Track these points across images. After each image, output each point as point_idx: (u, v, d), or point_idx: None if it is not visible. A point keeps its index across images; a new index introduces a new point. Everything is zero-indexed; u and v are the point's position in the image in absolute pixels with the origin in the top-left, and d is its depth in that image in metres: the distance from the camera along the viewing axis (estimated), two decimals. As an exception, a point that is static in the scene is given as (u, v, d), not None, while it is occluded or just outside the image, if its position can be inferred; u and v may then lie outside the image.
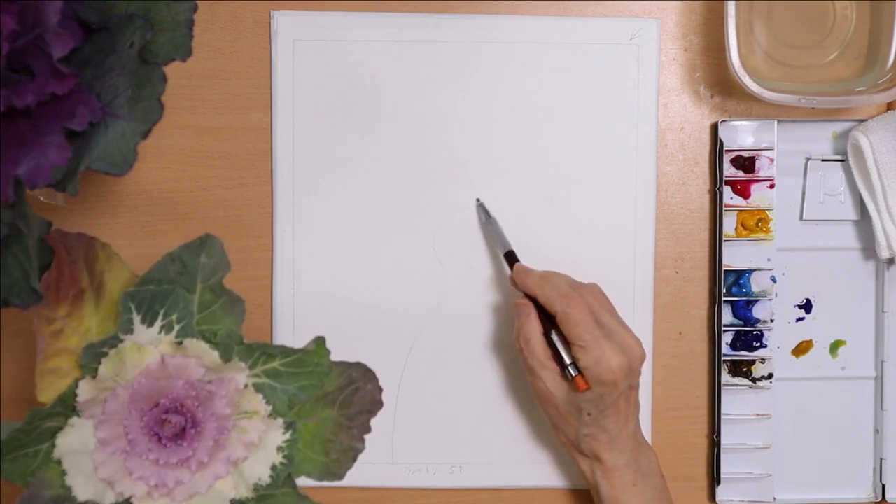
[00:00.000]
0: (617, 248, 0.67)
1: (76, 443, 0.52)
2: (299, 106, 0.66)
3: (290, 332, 0.66)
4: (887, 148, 0.64)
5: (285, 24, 0.65)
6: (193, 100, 0.66)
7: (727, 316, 0.67)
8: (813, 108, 0.64)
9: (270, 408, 0.55)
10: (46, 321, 0.53)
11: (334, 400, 0.56)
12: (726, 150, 0.66)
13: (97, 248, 0.54)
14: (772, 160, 0.66)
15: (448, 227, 0.67)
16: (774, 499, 0.68)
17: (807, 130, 0.67)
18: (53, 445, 0.52)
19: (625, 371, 0.58)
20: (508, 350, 0.67)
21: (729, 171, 0.66)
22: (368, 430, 0.56)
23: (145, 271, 0.54)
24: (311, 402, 0.56)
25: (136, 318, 0.53)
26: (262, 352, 0.54)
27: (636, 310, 0.67)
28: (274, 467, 0.55)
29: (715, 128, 0.67)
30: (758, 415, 0.67)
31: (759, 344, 0.67)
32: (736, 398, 0.67)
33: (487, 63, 0.66)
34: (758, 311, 0.67)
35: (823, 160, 0.67)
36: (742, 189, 0.66)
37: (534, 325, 0.60)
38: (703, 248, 0.68)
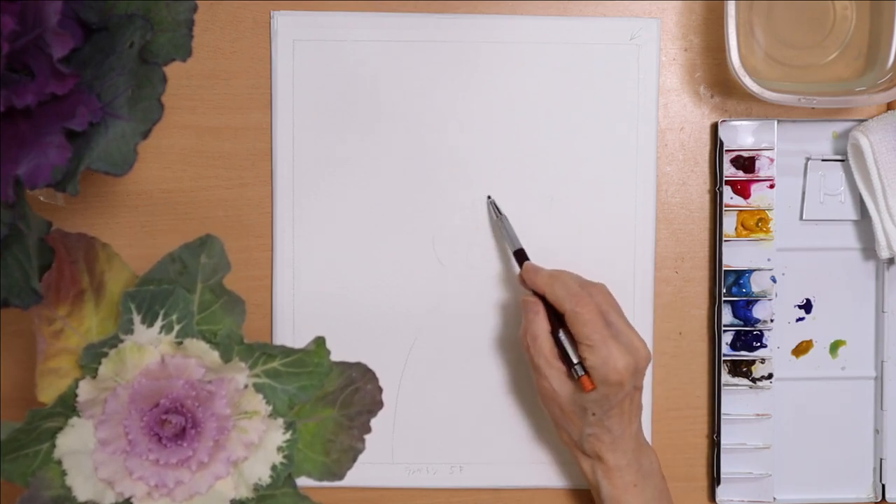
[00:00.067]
0: (617, 248, 0.67)
1: (76, 443, 0.52)
2: (299, 106, 0.66)
3: (290, 332, 0.66)
4: (887, 148, 0.64)
5: (285, 24, 0.65)
6: (193, 100, 0.66)
7: (727, 316, 0.67)
8: (813, 108, 0.64)
9: (270, 408, 0.55)
10: (46, 321, 0.53)
11: (334, 400, 0.56)
12: (726, 150, 0.66)
13: (97, 249, 0.54)
14: (772, 160, 0.66)
15: (448, 227, 0.67)
16: (774, 499, 0.68)
17: (807, 130, 0.67)
18: (53, 445, 0.52)
19: (631, 372, 0.58)
20: (509, 350, 0.67)
21: (729, 171, 0.66)
22: (368, 430, 0.56)
23: (145, 271, 0.54)
24: (311, 402, 0.56)
25: (137, 319, 0.53)
26: (262, 352, 0.54)
27: (636, 310, 0.67)
28: (274, 467, 0.55)
29: (715, 128, 0.67)
30: (758, 415, 0.67)
31: (759, 344, 0.67)
32: (736, 398, 0.67)
33: (487, 63, 0.66)
34: (758, 311, 0.67)
35: (823, 160, 0.67)
36: (742, 189, 0.66)
37: (541, 324, 0.60)
38: (703, 248, 0.68)
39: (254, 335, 0.65)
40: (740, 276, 0.67)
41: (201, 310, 0.54)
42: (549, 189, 0.67)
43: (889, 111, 0.66)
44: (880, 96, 0.63)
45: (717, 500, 0.67)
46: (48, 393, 0.53)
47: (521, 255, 0.64)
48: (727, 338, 0.67)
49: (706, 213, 0.68)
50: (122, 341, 0.53)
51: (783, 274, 0.68)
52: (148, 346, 0.53)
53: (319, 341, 0.55)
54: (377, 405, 0.56)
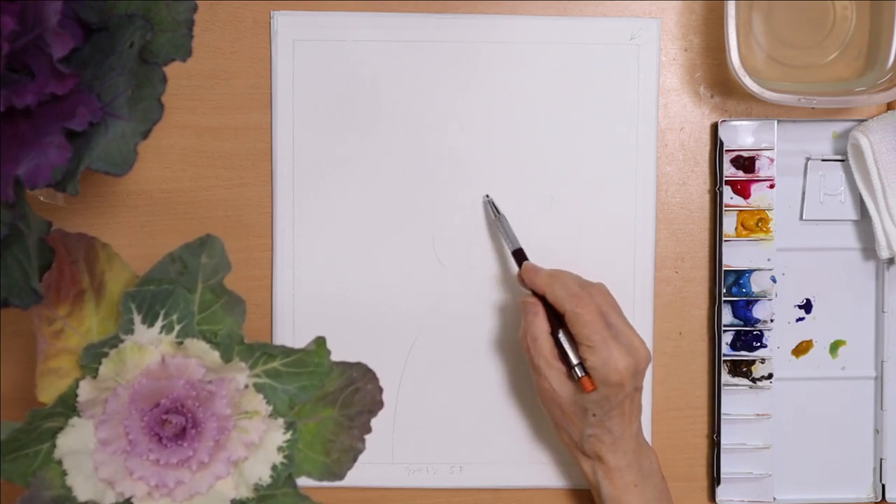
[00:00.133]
0: (617, 248, 0.67)
1: (77, 443, 0.52)
2: (299, 106, 0.66)
3: (290, 332, 0.66)
4: (887, 148, 0.64)
5: (285, 24, 0.65)
6: (193, 100, 0.66)
7: (727, 316, 0.67)
8: (813, 108, 0.64)
9: (271, 408, 0.55)
10: (47, 321, 0.53)
11: (335, 400, 0.56)
12: (726, 150, 0.66)
13: (97, 249, 0.54)
14: (772, 160, 0.66)
15: (448, 227, 0.67)
16: (774, 499, 0.68)
17: (807, 130, 0.67)
18: (54, 445, 0.52)
19: (631, 372, 0.58)
20: (509, 350, 0.67)
21: (729, 171, 0.66)
22: (369, 430, 0.56)
23: (146, 271, 0.54)
24: (311, 402, 0.56)
25: (137, 318, 0.53)
26: (262, 352, 0.54)
27: (636, 310, 0.67)
28: (274, 467, 0.55)
29: (715, 128, 0.67)
30: (758, 415, 0.67)
31: (759, 344, 0.67)
32: (736, 398, 0.67)
33: (487, 63, 0.66)
34: (758, 311, 0.67)
35: (823, 160, 0.67)
36: (742, 189, 0.66)
37: (541, 324, 0.60)
38: (703, 248, 0.68)
39: (254, 335, 0.65)
40: (740, 276, 0.67)
41: (202, 310, 0.54)
42: (549, 189, 0.67)
43: (889, 111, 0.66)
44: (880, 96, 0.63)
45: (717, 500, 0.67)
46: (48, 393, 0.53)
47: (519, 255, 0.64)
48: (727, 338, 0.67)
49: (706, 213, 0.68)
50: (122, 341, 0.53)
51: (783, 274, 0.68)
52: (148, 346, 0.53)
53: (320, 341, 0.55)
54: (377, 405, 0.56)
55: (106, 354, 0.53)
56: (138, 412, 0.53)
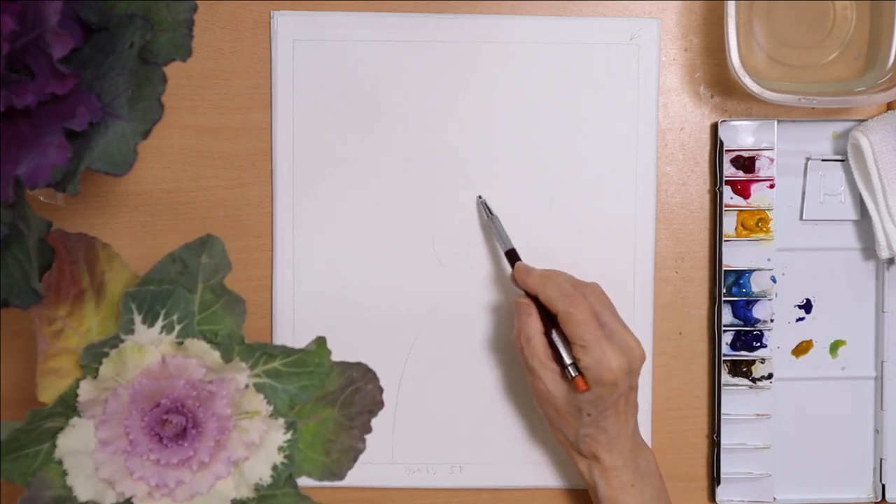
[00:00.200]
0: (617, 248, 0.67)
1: (77, 443, 0.52)
2: (299, 106, 0.66)
3: (290, 332, 0.66)
4: (887, 148, 0.64)
5: (285, 24, 0.65)
6: (193, 100, 0.66)
7: (727, 316, 0.67)
8: (813, 108, 0.64)
9: (271, 408, 0.55)
10: (47, 321, 0.53)
11: (335, 400, 0.56)
12: (726, 150, 0.66)
13: (98, 249, 0.54)
14: (772, 160, 0.66)
15: (448, 227, 0.67)
16: (774, 499, 0.68)
17: (807, 130, 0.67)
18: (54, 445, 0.52)
19: (625, 372, 0.58)
20: (509, 350, 0.67)
21: (729, 171, 0.66)
22: (369, 430, 0.56)
23: (146, 271, 0.54)
24: (311, 402, 0.56)
25: (137, 318, 0.53)
26: (262, 352, 0.54)
27: (636, 310, 0.67)
28: (275, 467, 0.55)
29: (715, 128, 0.67)
30: (758, 415, 0.67)
31: (759, 344, 0.67)
32: (736, 398, 0.67)
33: (487, 63, 0.66)
34: (758, 311, 0.67)
35: (823, 160, 0.67)
36: (742, 189, 0.66)
37: (534, 325, 0.60)
38: (703, 248, 0.68)
39: (254, 335, 0.65)
40: (740, 276, 0.67)
41: (202, 310, 0.54)
42: (549, 189, 0.67)
43: (889, 111, 0.66)
44: (880, 96, 0.63)
45: (717, 500, 0.67)
46: (49, 393, 0.53)
47: (512, 256, 0.64)
48: (727, 338, 0.67)
49: (706, 213, 0.68)
50: (122, 341, 0.53)
51: (783, 274, 0.68)
52: (149, 346, 0.53)
53: (320, 341, 0.55)
54: (377, 405, 0.56)
55: (106, 354, 0.53)
56: (139, 412, 0.53)
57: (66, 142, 0.49)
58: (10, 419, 0.51)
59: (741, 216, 0.66)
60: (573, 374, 0.59)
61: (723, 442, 0.67)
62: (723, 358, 0.67)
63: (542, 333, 0.60)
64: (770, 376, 0.67)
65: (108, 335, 0.53)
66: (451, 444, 0.67)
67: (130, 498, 0.53)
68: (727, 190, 0.66)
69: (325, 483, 0.56)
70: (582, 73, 0.66)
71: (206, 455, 0.54)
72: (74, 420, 0.53)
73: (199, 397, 0.53)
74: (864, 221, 0.67)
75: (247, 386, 0.54)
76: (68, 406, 0.53)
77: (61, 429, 0.53)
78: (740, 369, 0.67)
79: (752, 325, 0.67)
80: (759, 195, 0.66)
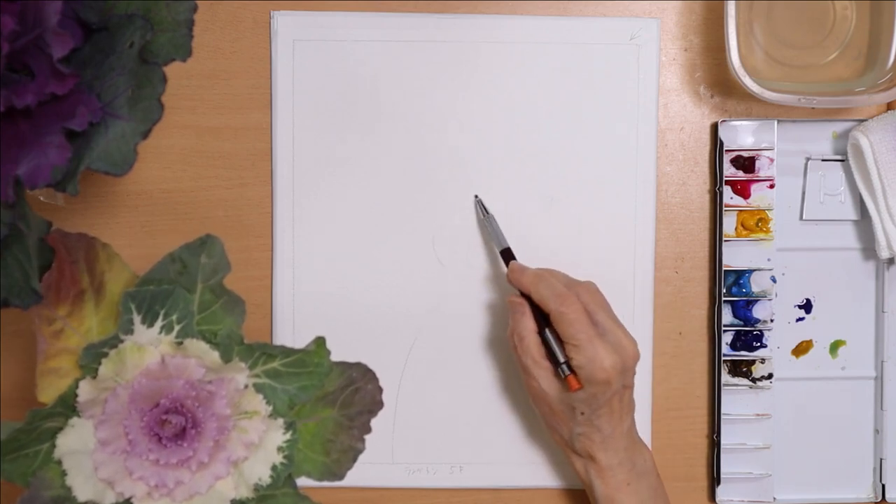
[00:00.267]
0: (617, 248, 0.67)
1: (76, 443, 0.52)
2: (299, 106, 0.66)
3: (290, 332, 0.66)
4: (887, 148, 0.64)
5: (285, 24, 0.65)
6: (193, 100, 0.66)
7: (727, 316, 0.67)
8: (813, 108, 0.64)
9: (271, 408, 0.55)
10: (47, 321, 0.53)
11: (335, 400, 0.56)
12: (726, 150, 0.66)
13: (97, 249, 0.54)
14: (772, 160, 0.66)
15: (448, 227, 0.67)
16: (774, 499, 0.68)
17: (807, 130, 0.67)
18: (54, 445, 0.52)
19: (618, 370, 0.58)
20: (508, 350, 0.67)
21: (729, 171, 0.66)
22: (369, 430, 0.56)
23: (146, 271, 0.54)
24: (311, 402, 0.56)
25: (137, 319, 0.53)
26: (262, 352, 0.54)
27: (636, 310, 0.67)
28: (274, 467, 0.55)
29: (715, 128, 0.67)
30: (758, 415, 0.67)
31: (759, 344, 0.67)
32: (736, 398, 0.67)
33: (487, 63, 0.66)
34: (758, 311, 0.67)
35: (823, 160, 0.67)
36: (742, 189, 0.66)
37: (528, 324, 0.60)
38: (703, 248, 0.68)
39: (254, 335, 0.65)
40: (740, 276, 0.67)
41: (201, 310, 0.54)
42: (549, 189, 0.67)
43: (889, 111, 0.66)
44: (880, 96, 0.63)
45: (717, 500, 0.67)
46: (48, 393, 0.53)
47: (507, 255, 0.64)
48: (727, 338, 0.67)
49: (706, 213, 0.68)
50: (122, 341, 0.53)
51: (783, 274, 0.68)
52: (148, 346, 0.53)
53: (320, 341, 0.55)
54: (377, 405, 0.56)
55: (106, 354, 0.53)
56: (138, 412, 0.53)
57: (66, 142, 0.49)
58: (10, 419, 0.51)
59: (741, 216, 0.66)
60: (565, 373, 0.59)
61: (723, 442, 0.67)
62: (723, 358, 0.67)
63: (536, 332, 0.60)
64: (770, 376, 0.67)
65: (108, 335, 0.53)
66: (451, 444, 0.67)
67: (130, 498, 0.53)
68: (727, 190, 0.66)
69: (325, 483, 0.56)
70: (582, 73, 0.66)
71: (206, 455, 0.54)
72: (74, 420, 0.53)
73: (198, 397, 0.53)
74: (864, 221, 0.67)
75: (246, 386, 0.54)
76: (68, 406, 0.53)
77: (61, 429, 0.53)
78: (740, 369, 0.67)
79: (752, 325, 0.67)
80: (759, 195, 0.66)
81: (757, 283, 0.67)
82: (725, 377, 0.67)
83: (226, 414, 0.54)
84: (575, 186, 0.67)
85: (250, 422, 0.54)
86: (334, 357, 0.55)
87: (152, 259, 0.54)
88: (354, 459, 0.56)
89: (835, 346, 0.68)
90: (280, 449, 0.55)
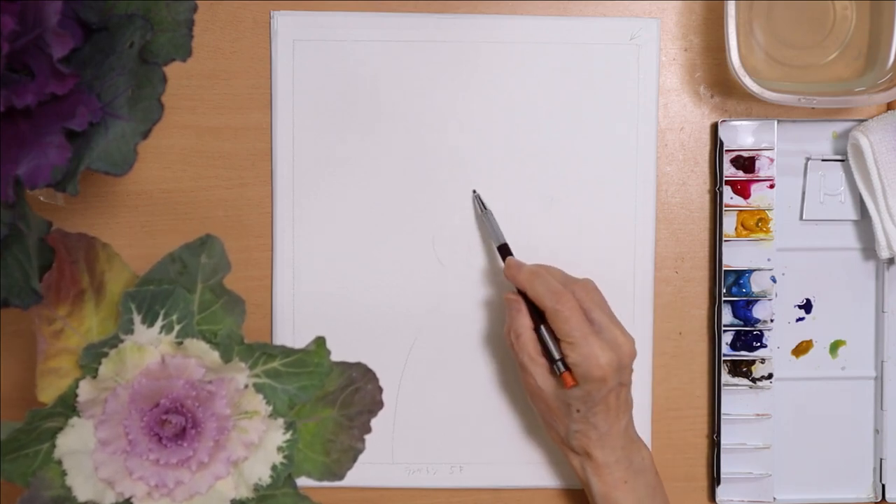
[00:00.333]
0: (617, 248, 0.67)
1: (76, 443, 0.52)
2: (299, 106, 0.66)
3: (290, 332, 0.66)
4: (887, 148, 0.64)
5: (285, 24, 0.65)
6: (193, 100, 0.66)
7: (727, 316, 0.67)
8: (813, 108, 0.64)
9: (271, 408, 0.55)
10: (47, 321, 0.53)
11: (335, 400, 0.56)
12: (726, 150, 0.66)
13: (98, 249, 0.54)
14: (772, 160, 0.66)
15: (448, 227, 0.67)
16: (774, 499, 0.68)
17: (807, 130, 0.67)
18: (54, 445, 0.52)
19: (614, 368, 0.58)
20: (508, 350, 0.67)
21: (729, 171, 0.66)
22: (369, 430, 0.56)
23: (146, 271, 0.54)
24: (311, 402, 0.56)
25: (137, 318, 0.53)
26: (262, 352, 0.54)
27: (636, 310, 0.67)
28: (274, 467, 0.55)
29: (715, 128, 0.67)
30: (758, 415, 0.67)
31: (759, 344, 0.67)
32: (736, 398, 0.67)
33: (487, 63, 0.66)
34: (758, 311, 0.67)
35: (823, 160, 0.67)
36: (742, 189, 0.66)
37: (524, 321, 0.60)
38: (703, 248, 0.68)
39: (254, 335, 0.65)
40: (740, 276, 0.67)
41: (201, 310, 0.54)
42: (549, 189, 0.67)
43: (889, 111, 0.66)
44: (880, 96, 0.63)
45: (717, 500, 0.67)
46: (48, 393, 0.53)
47: (504, 251, 0.64)
48: (727, 338, 0.67)
49: (706, 213, 0.68)
50: (122, 341, 0.53)
51: (783, 274, 0.68)
52: (148, 346, 0.53)
53: (320, 341, 0.55)
54: (377, 405, 0.56)
55: (106, 354, 0.53)
56: (138, 412, 0.53)
57: (66, 142, 0.49)
58: (10, 419, 0.51)
59: (741, 216, 0.66)
60: (561, 370, 0.59)
61: (723, 442, 0.67)
62: (723, 358, 0.67)
63: (532, 329, 0.60)
64: (770, 376, 0.67)
65: (108, 335, 0.53)
66: (451, 444, 0.67)
67: (130, 498, 0.53)
68: (727, 190, 0.66)
69: (325, 483, 0.56)
70: (582, 73, 0.66)
71: (206, 455, 0.54)
72: (74, 420, 0.53)
73: (198, 397, 0.53)
74: (864, 221, 0.67)
75: (246, 386, 0.54)
76: (68, 406, 0.53)
77: (61, 429, 0.53)
78: (740, 369, 0.67)
79: (752, 325, 0.67)
80: (759, 195, 0.66)
81: (757, 283, 0.67)
82: (725, 377, 0.67)
83: (226, 414, 0.54)
84: (575, 186, 0.67)
85: (250, 422, 0.54)
86: (334, 357, 0.55)
87: (152, 259, 0.54)
88: (354, 459, 0.56)
89: (835, 346, 0.68)
90: (280, 449, 0.55)
